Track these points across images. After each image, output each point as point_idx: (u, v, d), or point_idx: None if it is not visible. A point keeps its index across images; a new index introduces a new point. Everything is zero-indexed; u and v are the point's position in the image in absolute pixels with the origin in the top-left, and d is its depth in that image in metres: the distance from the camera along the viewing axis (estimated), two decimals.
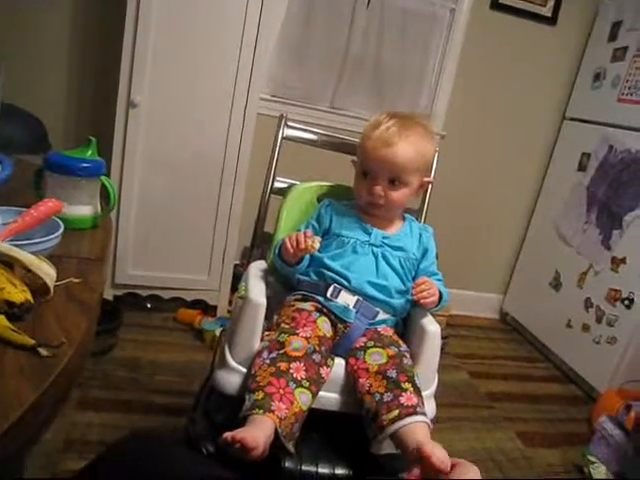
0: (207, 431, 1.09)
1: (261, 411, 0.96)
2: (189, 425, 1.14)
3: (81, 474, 0.72)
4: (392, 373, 1.07)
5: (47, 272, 0.69)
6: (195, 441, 1.06)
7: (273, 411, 0.96)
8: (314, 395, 1.04)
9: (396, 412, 1.01)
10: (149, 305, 2.55)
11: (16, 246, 0.70)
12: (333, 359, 1.14)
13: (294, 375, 1.02)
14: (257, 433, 0.91)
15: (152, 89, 2.18)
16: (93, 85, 2.51)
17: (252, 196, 1.75)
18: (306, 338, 1.09)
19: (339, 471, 1.07)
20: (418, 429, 1.00)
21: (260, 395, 0.98)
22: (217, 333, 2.30)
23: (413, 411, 1.02)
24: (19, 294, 0.63)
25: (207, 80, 2.23)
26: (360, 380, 1.09)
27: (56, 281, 0.71)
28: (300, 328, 1.11)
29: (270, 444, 0.94)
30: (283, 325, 1.13)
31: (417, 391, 1.06)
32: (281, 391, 0.99)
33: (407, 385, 1.06)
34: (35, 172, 1.08)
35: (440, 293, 1.22)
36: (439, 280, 1.28)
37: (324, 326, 1.15)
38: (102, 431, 1.75)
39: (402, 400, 1.03)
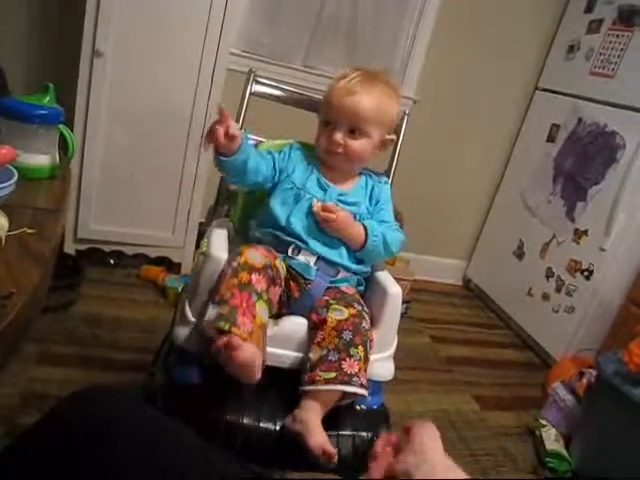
0: (165, 387, 1.09)
1: (227, 325, 0.97)
2: (148, 380, 1.14)
3: (37, 426, 0.71)
4: (348, 335, 1.09)
5: None
6: (153, 396, 1.06)
7: (239, 326, 0.98)
8: (270, 310, 1.07)
9: (333, 375, 1.04)
10: (112, 261, 2.51)
11: None
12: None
13: (255, 287, 1.04)
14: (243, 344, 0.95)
15: (118, 38, 2.09)
16: (56, 31, 2.40)
17: None
18: (263, 254, 1.10)
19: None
20: (332, 396, 1.05)
21: (225, 309, 1.00)
22: (180, 290, 2.28)
23: (349, 380, 1.05)
24: None
25: (176, 31, 2.15)
26: (317, 332, 1.11)
27: (8, 231, 0.69)
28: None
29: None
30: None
31: (365, 357, 1.09)
32: (244, 304, 1.01)
33: (358, 349, 1.08)
34: None
35: (366, 232, 1.19)
36: (389, 227, 1.26)
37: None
38: (61, 386, 1.73)
39: (344, 365, 1.05)
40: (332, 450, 0.99)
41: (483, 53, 2.94)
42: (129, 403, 0.76)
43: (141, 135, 2.27)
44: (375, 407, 1.18)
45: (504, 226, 3.17)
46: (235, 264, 1.06)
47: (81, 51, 2.08)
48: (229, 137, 1.11)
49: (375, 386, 1.16)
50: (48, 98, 1.04)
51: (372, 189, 1.31)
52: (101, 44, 2.07)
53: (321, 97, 1.43)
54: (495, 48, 2.94)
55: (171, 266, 2.53)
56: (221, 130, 1.10)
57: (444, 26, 2.83)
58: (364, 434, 1.11)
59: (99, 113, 2.17)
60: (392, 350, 1.21)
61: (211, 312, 1.02)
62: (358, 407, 1.15)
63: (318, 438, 1.00)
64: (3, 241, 0.67)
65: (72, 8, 2.24)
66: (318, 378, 1.05)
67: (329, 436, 1.03)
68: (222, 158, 1.17)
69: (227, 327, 0.97)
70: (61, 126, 1.05)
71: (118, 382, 1.80)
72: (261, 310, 1.03)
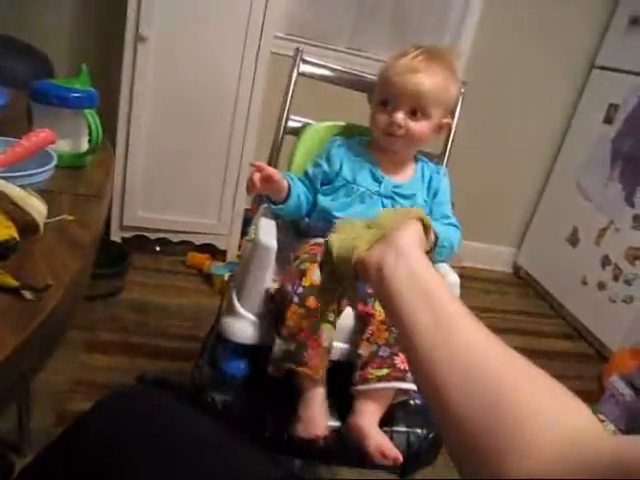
0: (212, 379, 1.06)
1: (293, 365, 0.98)
2: (195, 372, 1.11)
3: (82, 419, 0.69)
4: None
5: (36, 207, 0.63)
6: (200, 389, 1.04)
7: (306, 363, 0.98)
8: (334, 327, 1.04)
9: (385, 371, 1.00)
10: (158, 248, 2.51)
11: (3, 178, 0.64)
12: None
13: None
14: (315, 418, 0.98)
15: (161, 23, 2.06)
16: (100, 17, 2.39)
17: (265, 139, 1.68)
18: None
19: (330, 422, 1.04)
20: (386, 394, 1.02)
21: (292, 345, 1.00)
22: (226, 278, 2.27)
23: (402, 376, 1.00)
24: (3, 230, 0.57)
25: (219, 15, 2.11)
26: (366, 326, 1.07)
27: (47, 218, 0.66)
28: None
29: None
30: (302, 256, 1.09)
31: None
32: (313, 336, 1.00)
33: None
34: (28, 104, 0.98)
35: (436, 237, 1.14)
36: (450, 224, 1.21)
37: None
38: (109, 374, 1.74)
39: (396, 361, 1.01)
40: (392, 452, 0.94)
41: (536, 30, 2.79)
42: (153, 410, 0.72)
43: (186, 121, 2.25)
44: None
45: (557, 212, 3.04)
46: (300, 290, 1.02)
47: (125, 36, 2.06)
48: (265, 179, 1.10)
49: None
50: (81, 81, 0.96)
51: (430, 180, 1.24)
52: (145, 29, 2.04)
53: (369, 75, 1.38)
54: (548, 24, 2.79)
55: (217, 253, 2.51)
56: (257, 175, 1.09)
57: (495, 2, 2.70)
58: (419, 431, 1.06)
59: (143, 99, 2.16)
60: None
61: (277, 349, 1.01)
62: (412, 402, 1.10)
63: (376, 441, 0.95)
64: (42, 229, 0.64)
65: None
66: (370, 376, 1.00)
67: (384, 432, 0.99)
68: (275, 207, 1.18)
69: (294, 366, 0.99)
70: (86, 111, 0.94)
71: (166, 370, 1.80)
72: (327, 333, 1.02)
